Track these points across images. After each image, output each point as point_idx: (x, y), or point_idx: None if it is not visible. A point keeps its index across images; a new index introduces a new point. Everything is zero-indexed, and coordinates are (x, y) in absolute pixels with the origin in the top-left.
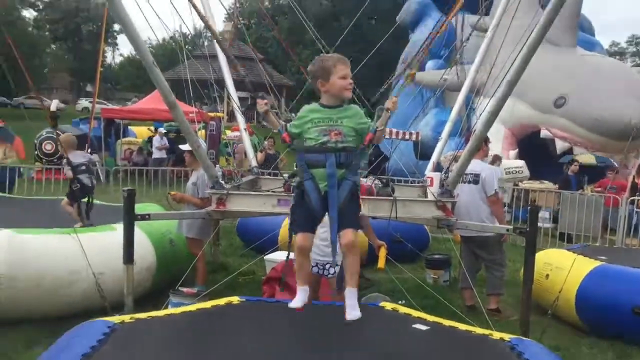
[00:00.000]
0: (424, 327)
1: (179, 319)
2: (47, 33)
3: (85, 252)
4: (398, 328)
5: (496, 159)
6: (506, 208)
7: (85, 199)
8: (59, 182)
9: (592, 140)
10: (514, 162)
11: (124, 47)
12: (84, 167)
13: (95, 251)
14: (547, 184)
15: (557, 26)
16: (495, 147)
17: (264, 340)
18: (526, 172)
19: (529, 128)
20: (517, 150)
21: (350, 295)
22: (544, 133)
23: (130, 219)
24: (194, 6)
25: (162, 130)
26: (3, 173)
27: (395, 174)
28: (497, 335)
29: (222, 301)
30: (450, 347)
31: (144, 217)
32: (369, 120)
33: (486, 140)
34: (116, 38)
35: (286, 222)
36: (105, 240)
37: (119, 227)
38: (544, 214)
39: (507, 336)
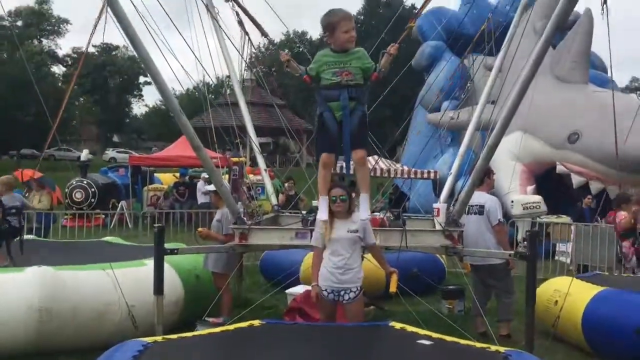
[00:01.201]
0: (427, 342)
1: (205, 339)
2: (75, 87)
3: (119, 285)
4: (405, 344)
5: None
6: (524, 243)
7: (16, 238)
8: (90, 228)
9: (607, 175)
10: (531, 198)
11: (149, 98)
12: (14, 210)
13: (128, 285)
14: (565, 219)
15: (568, 64)
16: (512, 183)
17: (281, 356)
18: (544, 208)
19: (544, 164)
20: (534, 186)
21: (363, 200)
22: (559, 168)
23: (160, 252)
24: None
25: (205, 175)
26: (39, 218)
27: (418, 212)
28: (494, 348)
29: (244, 324)
30: (450, 358)
31: (172, 252)
32: (372, 61)
33: (489, 173)
34: (141, 90)
35: (307, 256)
36: (137, 275)
37: (150, 263)
38: (562, 248)
39: (502, 349)
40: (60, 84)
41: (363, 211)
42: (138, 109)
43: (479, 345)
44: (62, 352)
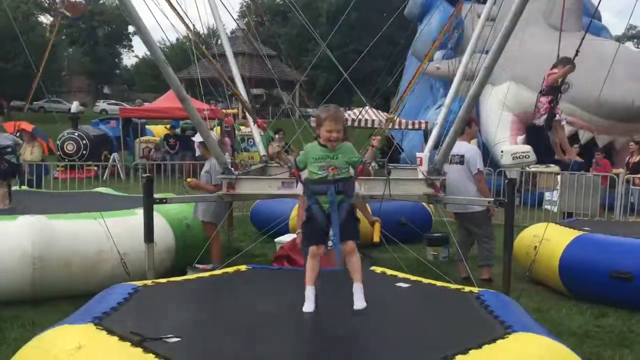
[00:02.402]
0: (405, 285)
1: (194, 282)
2: (63, 37)
3: (111, 234)
4: (384, 285)
5: None
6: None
7: (16, 176)
8: (82, 180)
9: (597, 124)
10: (521, 148)
11: (139, 49)
12: (9, 149)
13: (120, 234)
14: (553, 168)
15: (560, 11)
16: (503, 133)
17: (266, 298)
18: (533, 157)
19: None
20: (524, 135)
21: (357, 289)
22: None
23: (149, 201)
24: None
25: None
26: (31, 170)
27: (409, 163)
28: (468, 289)
29: (232, 269)
30: (426, 298)
31: (162, 201)
32: (358, 155)
33: (470, 123)
34: (131, 40)
35: (296, 206)
36: (128, 224)
37: (140, 212)
38: (549, 197)
39: (476, 289)
40: (48, 34)
41: (357, 300)
42: (128, 59)
43: (453, 286)
44: (58, 298)
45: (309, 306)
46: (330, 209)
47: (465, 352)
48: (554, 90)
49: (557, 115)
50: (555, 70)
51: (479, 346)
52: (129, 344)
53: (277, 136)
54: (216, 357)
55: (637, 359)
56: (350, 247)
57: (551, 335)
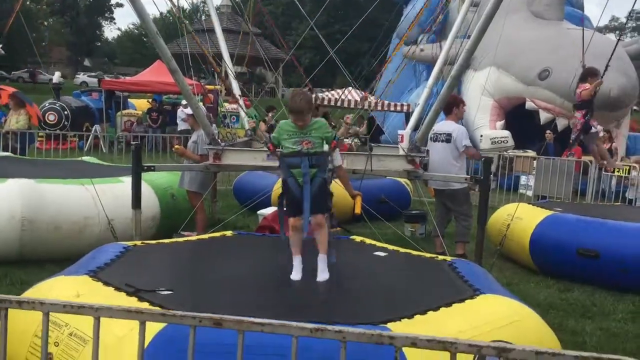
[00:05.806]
0: (383, 253)
1: (182, 244)
2: (44, 7)
3: (99, 199)
4: (363, 252)
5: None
6: (491, 176)
7: None
8: (65, 150)
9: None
10: (499, 133)
11: (121, 22)
12: None
13: (106, 200)
14: (531, 153)
15: (545, 0)
16: (482, 118)
17: (250, 260)
18: (511, 142)
19: (514, 100)
20: (503, 121)
21: (321, 260)
22: (528, 104)
23: (137, 168)
24: None
25: (184, 102)
26: (15, 138)
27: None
28: (442, 257)
29: (218, 234)
30: (402, 265)
31: (150, 168)
32: (332, 130)
33: (458, 104)
34: (113, 12)
35: (279, 181)
36: (115, 191)
37: (127, 180)
38: (524, 181)
39: (449, 258)
40: (28, 3)
41: (321, 272)
42: (110, 32)
43: (428, 255)
44: (47, 261)
45: (296, 275)
46: (303, 182)
47: (436, 309)
48: (587, 104)
49: (593, 128)
50: (586, 85)
51: (449, 304)
52: (125, 294)
53: (270, 114)
54: (207, 307)
55: (598, 328)
56: (319, 220)
57: (517, 298)
